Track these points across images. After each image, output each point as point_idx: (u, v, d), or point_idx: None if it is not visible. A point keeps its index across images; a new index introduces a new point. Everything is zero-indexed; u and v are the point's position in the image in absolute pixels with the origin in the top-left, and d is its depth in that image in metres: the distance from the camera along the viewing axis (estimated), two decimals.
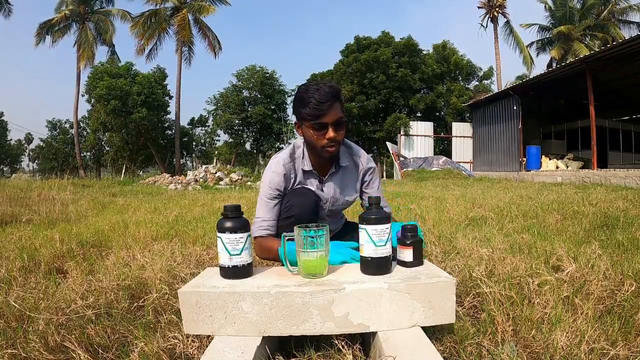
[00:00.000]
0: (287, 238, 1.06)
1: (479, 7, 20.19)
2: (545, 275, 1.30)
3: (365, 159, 1.43)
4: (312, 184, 1.37)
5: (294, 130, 1.38)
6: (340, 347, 0.92)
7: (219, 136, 28.45)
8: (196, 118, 28.52)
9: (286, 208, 1.29)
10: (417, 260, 1.09)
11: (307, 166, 1.34)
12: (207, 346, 0.94)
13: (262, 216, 1.31)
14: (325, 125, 1.22)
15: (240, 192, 8.04)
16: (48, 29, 20.72)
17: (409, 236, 1.09)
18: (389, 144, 16.16)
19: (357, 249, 1.10)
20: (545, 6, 20.04)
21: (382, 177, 18.06)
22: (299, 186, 1.35)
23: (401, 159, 15.14)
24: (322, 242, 1.00)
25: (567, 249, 1.67)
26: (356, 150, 1.43)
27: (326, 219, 1.44)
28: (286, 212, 1.28)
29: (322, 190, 1.37)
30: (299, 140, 1.38)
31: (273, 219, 1.31)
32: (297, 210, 1.25)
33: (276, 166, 1.32)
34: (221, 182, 10.73)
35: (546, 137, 14.36)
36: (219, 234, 1.02)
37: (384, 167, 19.74)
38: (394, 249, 1.10)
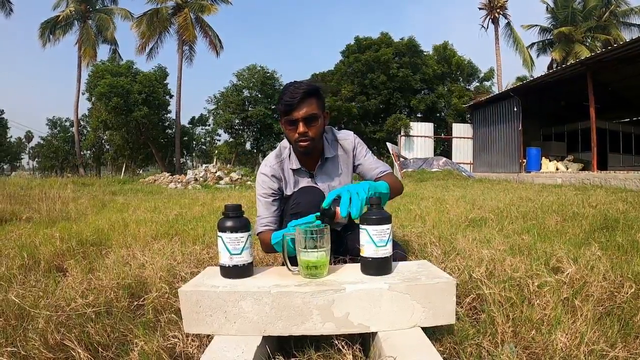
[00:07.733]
0: (287, 237, 1.06)
1: (480, 8, 20.20)
2: (545, 276, 1.30)
3: (351, 140, 1.46)
4: (305, 181, 1.41)
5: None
6: (340, 347, 0.92)
7: (219, 135, 28.43)
8: (196, 117, 28.42)
9: (293, 205, 1.30)
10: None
11: (295, 165, 1.40)
12: (207, 345, 0.94)
13: (262, 214, 1.39)
14: (295, 121, 1.26)
15: (240, 191, 8.04)
16: (51, 28, 20.71)
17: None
18: (389, 144, 16.14)
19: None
20: (546, 7, 20.04)
21: None
22: (307, 185, 1.38)
23: (401, 159, 15.12)
24: (323, 242, 1.00)
25: (567, 250, 1.67)
26: (343, 136, 1.46)
27: None
28: (293, 209, 1.29)
29: (316, 184, 1.41)
30: (284, 142, 1.42)
31: (271, 215, 1.37)
32: (303, 207, 1.26)
33: (264, 168, 1.40)
34: (221, 182, 10.73)
35: (546, 139, 14.32)
36: (219, 234, 1.02)
37: None
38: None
